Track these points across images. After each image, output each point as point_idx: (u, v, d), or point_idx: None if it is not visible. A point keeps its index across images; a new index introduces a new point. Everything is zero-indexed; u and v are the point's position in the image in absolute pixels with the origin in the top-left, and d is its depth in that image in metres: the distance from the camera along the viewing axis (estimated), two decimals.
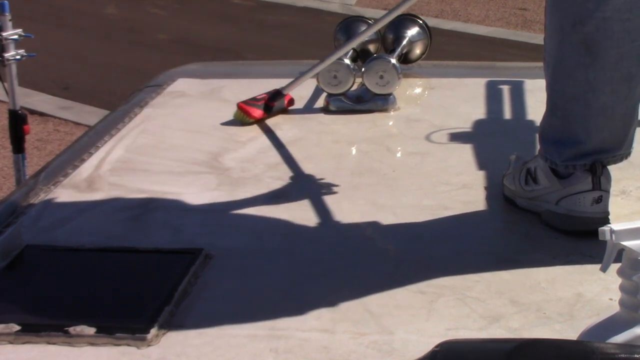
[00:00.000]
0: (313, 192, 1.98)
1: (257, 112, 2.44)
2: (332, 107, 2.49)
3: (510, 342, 1.11)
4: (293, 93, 2.52)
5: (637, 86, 1.75)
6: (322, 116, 2.47)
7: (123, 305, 1.55)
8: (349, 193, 1.98)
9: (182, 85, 2.71)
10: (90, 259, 1.72)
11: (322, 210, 1.89)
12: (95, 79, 6.84)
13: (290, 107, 2.52)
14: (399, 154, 2.22)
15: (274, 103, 2.47)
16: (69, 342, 1.43)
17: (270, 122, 2.42)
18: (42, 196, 1.98)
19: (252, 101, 2.46)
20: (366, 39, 2.74)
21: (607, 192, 1.76)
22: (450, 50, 6.66)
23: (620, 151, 1.78)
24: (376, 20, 2.54)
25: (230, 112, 2.47)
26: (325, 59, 2.47)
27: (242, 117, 2.43)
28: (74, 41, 7.88)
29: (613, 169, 1.79)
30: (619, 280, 1.19)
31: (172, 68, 2.91)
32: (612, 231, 1.15)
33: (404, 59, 2.74)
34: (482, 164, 2.12)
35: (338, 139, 2.31)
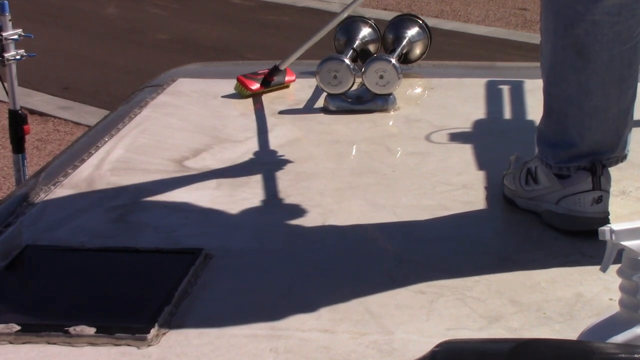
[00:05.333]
0: (313, 192, 1.98)
1: (255, 86, 2.58)
2: (332, 107, 2.49)
3: (510, 342, 1.11)
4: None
5: (629, 89, 1.75)
6: (322, 116, 2.47)
7: (123, 305, 1.55)
8: (349, 193, 1.98)
9: (182, 85, 2.71)
10: (90, 259, 1.72)
11: (322, 210, 1.89)
12: (95, 79, 6.84)
13: (290, 107, 2.52)
14: (399, 154, 2.22)
15: (272, 78, 2.59)
16: (69, 342, 1.43)
17: (270, 122, 2.42)
18: (42, 196, 1.98)
19: (252, 75, 2.61)
20: (368, 38, 2.74)
21: (607, 192, 1.76)
22: (450, 50, 6.66)
23: (615, 153, 1.79)
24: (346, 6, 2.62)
25: (230, 113, 2.48)
26: (319, 31, 2.60)
27: (240, 90, 2.58)
28: (74, 41, 7.88)
29: (613, 169, 1.80)
30: (619, 280, 1.19)
31: (172, 68, 2.91)
32: (612, 231, 1.15)
33: (404, 59, 2.74)
34: (482, 164, 2.12)
35: (338, 139, 2.31)
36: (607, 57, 1.70)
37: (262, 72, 2.60)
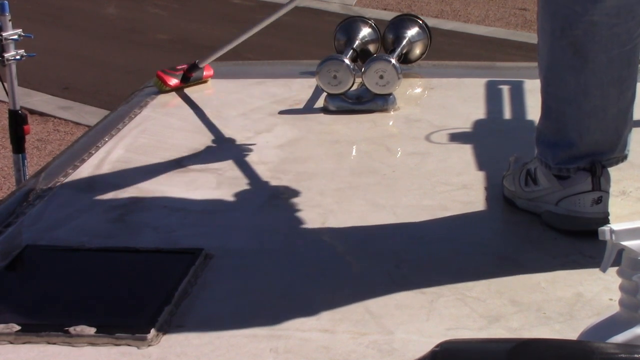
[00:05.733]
0: (313, 192, 1.98)
1: (174, 81, 2.64)
2: (332, 107, 2.49)
3: (510, 342, 1.11)
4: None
5: (628, 89, 1.75)
6: (322, 116, 2.47)
7: (123, 305, 1.55)
8: (349, 193, 1.98)
9: None
10: (90, 259, 1.72)
11: (322, 210, 1.89)
12: (95, 79, 6.84)
13: (290, 107, 2.52)
14: (399, 154, 2.22)
15: (191, 74, 2.66)
16: (69, 342, 1.43)
17: (270, 122, 2.42)
18: (42, 196, 1.98)
19: (171, 70, 2.67)
20: (368, 38, 2.74)
21: (607, 192, 1.76)
22: (450, 50, 6.66)
23: (614, 154, 1.78)
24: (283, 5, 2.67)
25: (230, 113, 2.48)
26: (245, 31, 2.73)
27: (159, 85, 2.63)
28: (74, 41, 7.88)
29: (613, 169, 1.80)
30: (619, 280, 1.19)
31: None
32: (612, 231, 1.15)
33: (404, 59, 2.74)
34: (482, 164, 2.11)
35: (338, 139, 2.31)
36: (606, 59, 1.70)
37: (180, 67, 2.67)
